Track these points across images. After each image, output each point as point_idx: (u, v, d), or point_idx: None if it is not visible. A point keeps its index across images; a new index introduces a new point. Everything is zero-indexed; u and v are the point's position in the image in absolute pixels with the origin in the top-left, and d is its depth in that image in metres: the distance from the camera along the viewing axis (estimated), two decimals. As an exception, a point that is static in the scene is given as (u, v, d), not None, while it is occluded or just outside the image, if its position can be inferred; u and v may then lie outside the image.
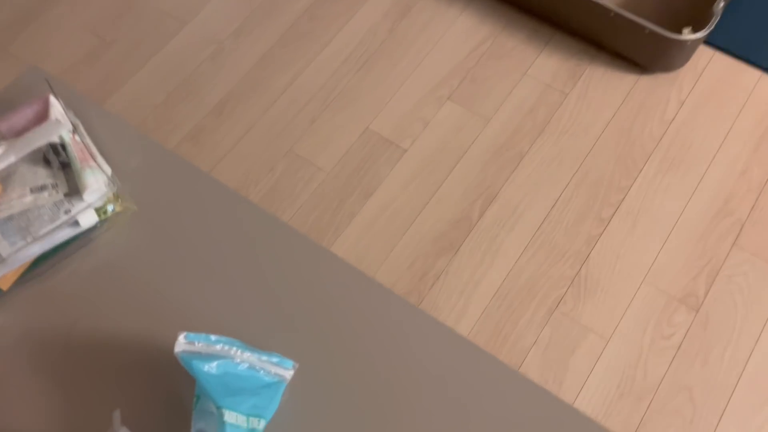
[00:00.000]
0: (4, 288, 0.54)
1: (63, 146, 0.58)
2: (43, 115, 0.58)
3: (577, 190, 1.29)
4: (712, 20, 1.26)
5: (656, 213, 1.26)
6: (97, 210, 0.57)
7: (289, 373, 0.51)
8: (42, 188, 0.56)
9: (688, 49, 1.31)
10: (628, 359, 1.14)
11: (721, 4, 1.28)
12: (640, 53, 1.35)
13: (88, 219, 0.56)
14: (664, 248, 1.23)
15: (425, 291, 1.21)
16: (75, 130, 0.59)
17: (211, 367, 0.48)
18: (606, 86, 1.39)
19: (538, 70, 1.42)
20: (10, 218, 0.53)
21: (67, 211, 0.54)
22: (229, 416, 0.45)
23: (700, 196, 1.27)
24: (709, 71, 1.38)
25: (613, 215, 1.26)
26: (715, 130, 1.33)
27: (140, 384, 0.51)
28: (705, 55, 1.40)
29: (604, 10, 1.31)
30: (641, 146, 1.32)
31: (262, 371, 0.50)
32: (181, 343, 0.48)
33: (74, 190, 0.55)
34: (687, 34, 1.25)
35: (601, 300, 1.19)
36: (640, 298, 1.19)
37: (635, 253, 1.23)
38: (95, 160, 0.57)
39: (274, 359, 0.50)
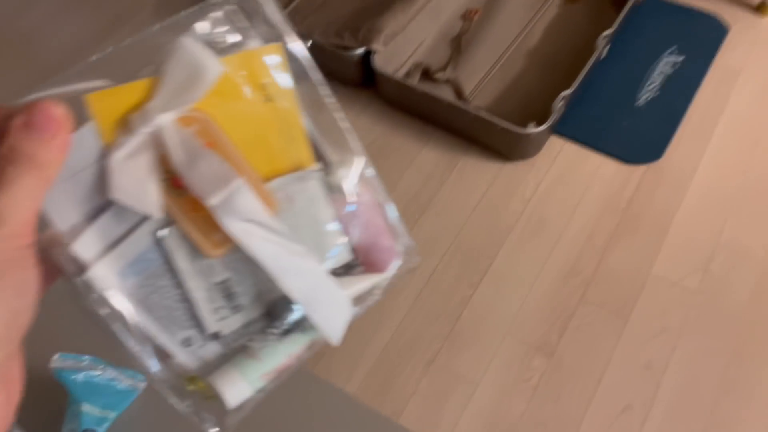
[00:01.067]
0: None
1: None
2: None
3: (452, 259, 1.52)
4: (551, 116, 1.55)
5: (518, 275, 1.48)
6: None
7: (141, 385, 0.70)
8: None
9: (536, 140, 1.59)
10: (494, 401, 1.32)
11: (560, 104, 1.57)
12: (500, 145, 1.63)
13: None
14: (524, 305, 1.44)
15: (319, 357, 1.39)
16: None
17: (77, 377, 0.66)
18: (476, 173, 1.65)
19: (422, 162, 1.68)
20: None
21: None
22: (86, 407, 0.64)
23: (554, 259, 1.50)
24: (561, 157, 1.66)
25: (482, 279, 1.48)
26: (566, 205, 1.59)
27: (26, 395, 0.69)
28: (557, 143, 1.68)
29: (467, 113, 1.59)
30: (505, 221, 1.57)
31: (117, 381, 0.68)
32: (56, 360, 0.67)
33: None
34: (530, 129, 1.53)
35: (472, 351, 1.38)
36: (504, 348, 1.39)
37: (500, 310, 1.44)
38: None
39: (129, 373, 0.69)
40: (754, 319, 1.39)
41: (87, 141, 0.33)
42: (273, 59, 0.36)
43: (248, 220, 0.34)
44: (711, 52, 1.85)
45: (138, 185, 0.33)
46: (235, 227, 0.34)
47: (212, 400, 0.41)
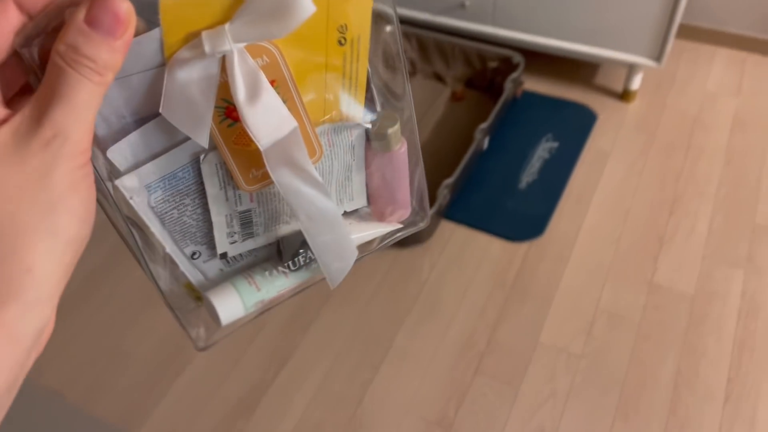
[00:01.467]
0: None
1: None
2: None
3: (354, 343, 1.58)
4: (436, 203, 1.68)
5: (415, 354, 1.55)
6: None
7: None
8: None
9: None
10: (395, 480, 1.35)
11: (444, 191, 1.71)
12: (395, 232, 1.74)
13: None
14: (422, 382, 1.50)
15: (225, 447, 1.41)
16: None
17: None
18: (375, 259, 1.75)
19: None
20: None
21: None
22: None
23: (449, 335, 1.59)
24: (452, 239, 1.78)
25: (383, 361, 1.54)
26: (459, 283, 1.69)
27: None
28: (448, 227, 1.80)
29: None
30: (403, 302, 1.65)
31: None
32: None
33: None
34: (417, 215, 1.65)
35: (373, 433, 1.42)
36: (404, 426, 1.43)
37: (400, 389, 1.49)
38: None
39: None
40: (634, 378, 1.48)
41: (147, 47, 0.29)
42: (359, 2, 0.34)
43: (292, 165, 0.34)
44: (583, 137, 2.05)
45: (192, 109, 0.31)
46: (279, 171, 0.34)
47: (203, 309, 0.42)
